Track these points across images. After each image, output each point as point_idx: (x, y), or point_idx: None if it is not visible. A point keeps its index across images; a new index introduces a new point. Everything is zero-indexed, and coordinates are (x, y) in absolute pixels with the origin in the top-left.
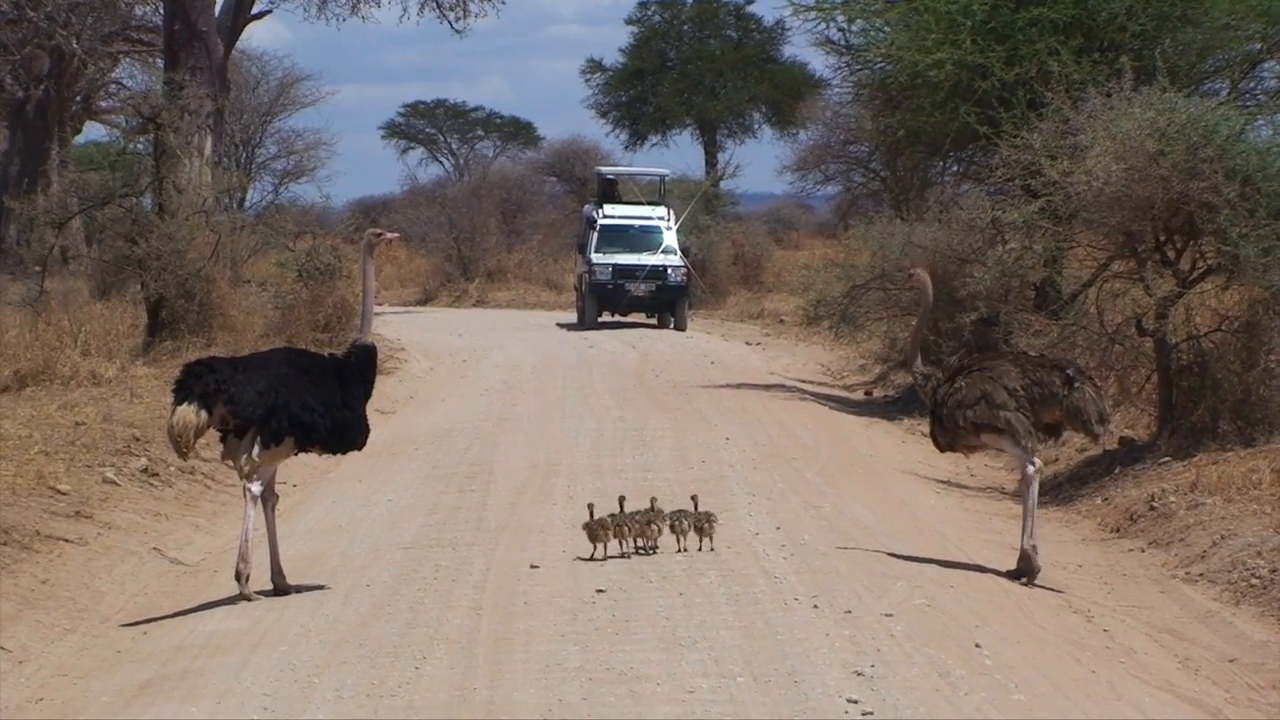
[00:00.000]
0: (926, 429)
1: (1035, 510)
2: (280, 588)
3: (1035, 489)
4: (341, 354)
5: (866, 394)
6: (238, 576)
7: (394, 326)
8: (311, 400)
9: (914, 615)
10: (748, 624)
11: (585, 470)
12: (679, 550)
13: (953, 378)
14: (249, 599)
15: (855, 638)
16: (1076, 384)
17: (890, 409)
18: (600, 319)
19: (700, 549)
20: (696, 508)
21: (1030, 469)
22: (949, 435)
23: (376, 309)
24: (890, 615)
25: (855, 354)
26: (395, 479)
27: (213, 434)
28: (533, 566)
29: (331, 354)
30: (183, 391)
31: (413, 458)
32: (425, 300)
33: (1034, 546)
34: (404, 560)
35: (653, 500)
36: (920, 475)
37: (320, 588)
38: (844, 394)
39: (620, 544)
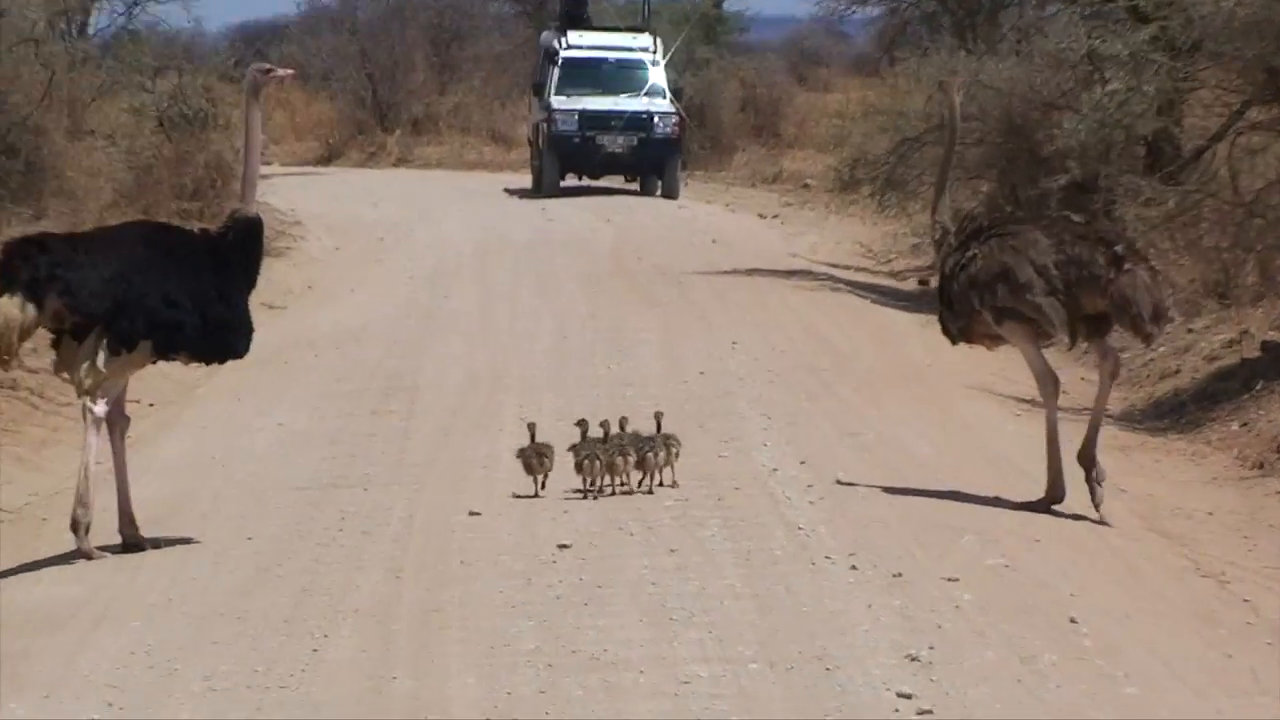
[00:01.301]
0: None
1: (1058, 440)
2: (131, 541)
3: (1052, 415)
4: (216, 229)
5: (921, 283)
6: (74, 527)
7: (287, 193)
8: (176, 291)
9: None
10: (762, 592)
11: (543, 385)
12: (641, 484)
13: (966, 243)
14: (89, 556)
15: (908, 610)
16: (1127, 265)
17: None
18: (564, 183)
19: (647, 482)
20: (659, 429)
21: (1047, 386)
22: (960, 321)
23: (263, 170)
24: (954, 580)
25: (905, 230)
26: (287, 397)
27: (43, 335)
28: (472, 514)
29: (203, 230)
30: (3, 279)
31: (311, 368)
32: (329, 158)
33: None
34: (298, 505)
35: (623, 421)
36: (995, 392)
37: (186, 542)
38: (891, 283)
39: (584, 480)
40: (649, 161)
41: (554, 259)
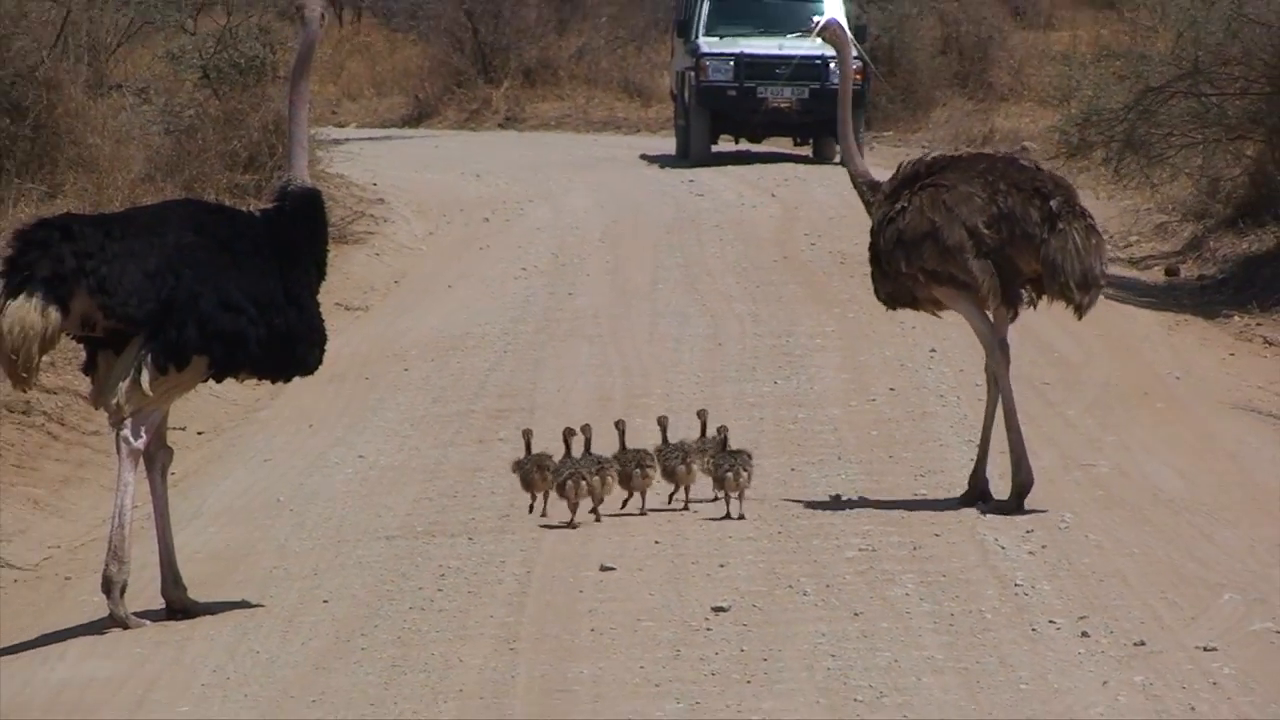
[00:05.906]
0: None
1: (1014, 420)
2: (178, 606)
3: (1007, 388)
4: (265, 207)
5: (1169, 273)
6: (107, 588)
7: (366, 163)
8: (236, 292)
9: (1254, 651)
10: (970, 665)
11: (695, 404)
12: (677, 500)
13: (896, 193)
14: (126, 625)
15: (1153, 688)
16: (1060, 222)
17: (1209, 298)
18: (716, 148)
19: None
20: (724, 444)
21: (995, 353)
22: (891, 284)
23: (336, 134)
24: (1211, 650)
25: (1149, 205)
26: (370, 422)
27: (68, 347)
28: (604, 569)
29: (263, 210)
30: (17, 273)
31: (400, 386)
32: (418, 118)
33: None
34: (386, 559)
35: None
36: (1264, 412)
37: (245, 606)
38: (1132, 273)
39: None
40: (823, 119)
41: (705, 245)
